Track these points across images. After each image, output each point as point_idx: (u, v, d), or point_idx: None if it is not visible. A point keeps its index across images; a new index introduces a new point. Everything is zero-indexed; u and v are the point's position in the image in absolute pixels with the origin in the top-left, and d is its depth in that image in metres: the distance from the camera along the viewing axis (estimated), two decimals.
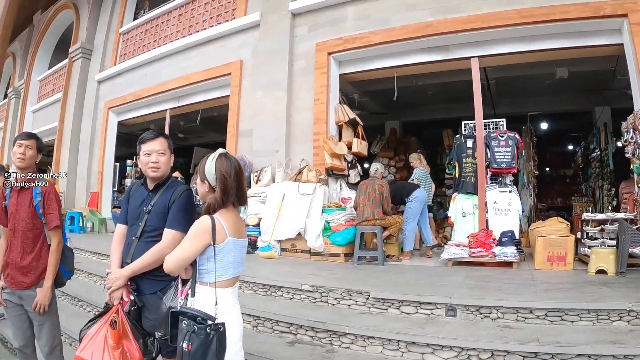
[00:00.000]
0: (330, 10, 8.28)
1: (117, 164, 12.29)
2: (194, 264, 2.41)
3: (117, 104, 11.75)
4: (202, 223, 2.36)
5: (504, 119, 7.80)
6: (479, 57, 7.39)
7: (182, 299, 2.46)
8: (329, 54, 8.14)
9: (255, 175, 7.98)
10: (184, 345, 2.22)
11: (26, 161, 3.27)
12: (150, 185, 2.89)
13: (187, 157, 15.63)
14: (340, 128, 8.21)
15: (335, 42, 8.06)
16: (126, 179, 12.49)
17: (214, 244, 2.36)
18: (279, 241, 7.29)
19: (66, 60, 14.39)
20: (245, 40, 9.18)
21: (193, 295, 2.40)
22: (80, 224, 10.76)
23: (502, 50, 7.25)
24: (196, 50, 9.97)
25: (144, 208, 2.83)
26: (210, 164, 2.45)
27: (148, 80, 10.86)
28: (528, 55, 7.32)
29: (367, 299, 4.54)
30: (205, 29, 10.00)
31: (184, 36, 10.39)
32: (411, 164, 8.86)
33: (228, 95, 9.38)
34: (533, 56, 7.41)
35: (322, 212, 7.21)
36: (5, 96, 19.50)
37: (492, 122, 7.75)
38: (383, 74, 8.61)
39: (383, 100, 11.54)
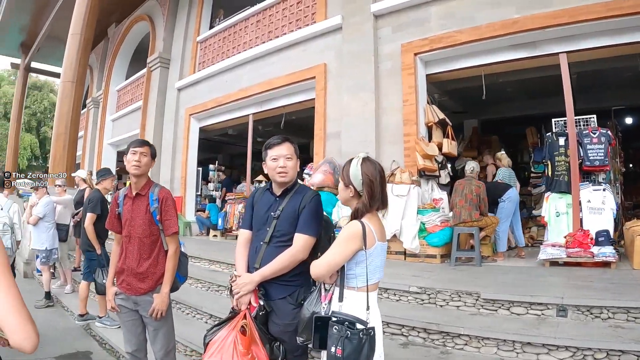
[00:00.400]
0: (414, 10, 8.16)
1: (200, 168, 12.56)
2: (340, 269, 2.41)
3: (198, 111, 12.10)
4: (353, 228, 2.36)
5: (594, 115, 7.48)
6: (567, 52, 7.09)
7: (325, 304, 2.47)
8: (415, 54, 8.03)
9: None
10: (335, 350, 2.23)
11: (141, 168, 3.30)
12: (278, 191, 2.88)
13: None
14: (429, 129, 8.12)
15: (421, 43, 7.95)
16: (209, 184, 12.78)
17: (365, 248, 2.35)
18: None
19: (144, 70, 14.97)
20: (327, 44, 9.21)
21: (341, 300, 2.39)
22: None
23: (589, 44, 6.90)
24: (277, 56, 10.09)
25: (272, 213, 2.82)
26: (355, 169, 2.42)
27: (229, 86, 11.10)
28: (613, 49, 6.96)
29: (477, 300, 4.53)
30: (285, 34, 10.10)
31: (264, 42, 10.55)
32: (495, 164, 8.67)
33: (311, 99, 9.48)
34: (618, 50, 7.04)
35: (417, 213, 7.13)
36: (84, 106, 20.35)
37: (582, 118, 7.45)
38: (468, 74, 8.42)
39: (463, 98, 11.36)
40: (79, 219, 7.96)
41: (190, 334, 4.89)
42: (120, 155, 17.24)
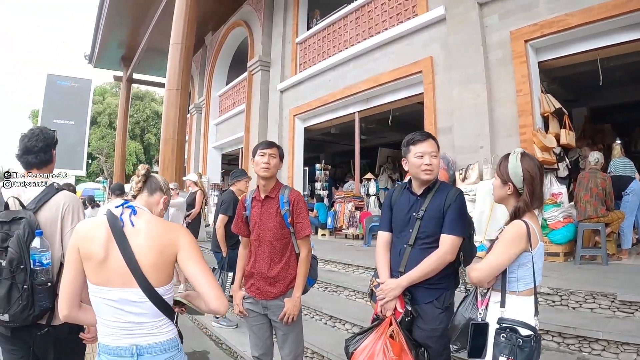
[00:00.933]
0: None
1: (306, 168, 12.87)
2: (501, 272, 2.30)
3: (303, 111, 12.49)
4: (518, 229, 2.27)
5: None
6: None
7: (482, 310, 2.36)
8: (526, 41, 7.77)
9: (461, 173, 7.90)
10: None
11: (271, 170, 3.20)
12: (419, 190, 2.81)
13: (370, 159, 15.88)
14: (545, 119, 7.83)
15: (531, 29, 7.69)
16: (316, 183, 13.06)
17: (530, 249, 2.26)
18: (491, 241, 7.12)
19: (245, 74, 15.67)
20: (431, 36, 9.15)
21: (503, 305, 2.26)
22: None
23: None
24: (380, 51, 10.15)
25: (414, 214, 2.74)
26: (515, 165, 2.33)
27: (333, 84, 11.33)
28: None
29: (613, 302, 4.25)
30: (386, 29, 10.15)
31: (365, 38, 10.67)
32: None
33: (418, 94, 9.47)
34: None
35: None
36: (187, 112, 21.39)
37: None
38: (578, 59, 8.03)
39: (571, 86, 10.82)
40: (190, 221, 8.48)
41: (311, 336, 4.90)
42: (225, 158, 18.05)
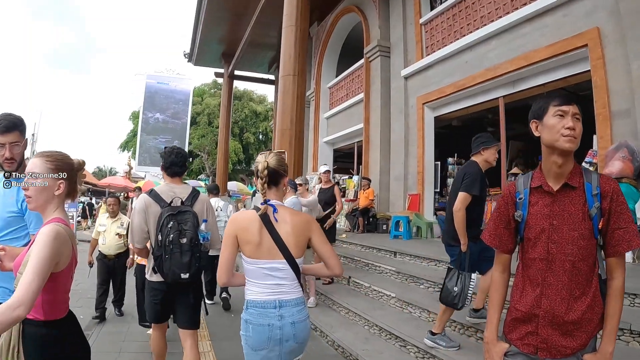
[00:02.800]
0: None
1: (438, 163, 11.94)
2: None
3: (433, 99, 11.58)
4: None
5: None
6: None
7: None
8: None
9: None
10: None
11: (578, 139, 2.06)
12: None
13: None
14: None
15: None
16: (449, 179, 12.10)
17: None
18: None
19: (361, 62, 15.05)
20: (595, 4, 7.97)
21: None
22: (401, 229, 10.65)
23: None
24: (530, 25, 9.06)
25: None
26: None
27: (470, 67, 10.37)
28: None
29: None
30: (534, 0, 8.93)
31: (508, 12, 9.60)
32: None
33: (581, 72, 8.31)
34: None
35: None
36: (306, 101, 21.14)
37: None
38: None
39: None
40: (335, 219, 7.85)
41: None
42: (337, 153, 17.44)
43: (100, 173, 76.08)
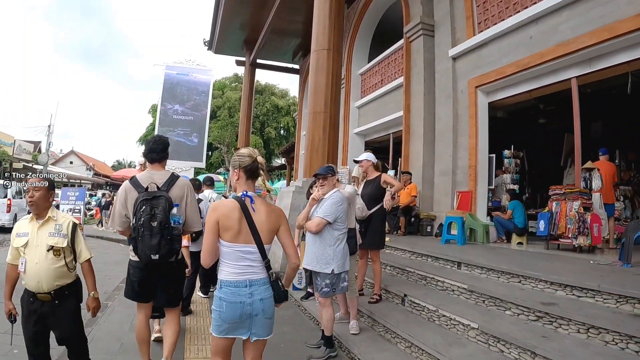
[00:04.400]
0: None
1: (492, 155, 10.45)
2: None
3: (490, 81, 10.04)
4: None
5: None
6: None
7: None
8: None
9: None
10: None
11: None
12: None
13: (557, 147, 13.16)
14: None
15: None
16: (505, 175, 10.64)
17: None
18: None
19: (399, 43, 13.78)
20: None
21: None
22: (453, 232, 9.24)
23: None
24: None
25: None
26: None
27: (536, 43, 8.88)
28: None
29: None
30: None
31: None
32: None
33: None
34: None
35: None
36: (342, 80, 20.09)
37: None
38: None
39: None
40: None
41: None
42: (369, 146, 16.09)
43: (119, 166, 76.47)
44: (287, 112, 47.28)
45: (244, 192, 3.06)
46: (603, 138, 11.51)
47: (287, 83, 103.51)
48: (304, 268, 5.46)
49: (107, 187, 47.75)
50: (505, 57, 9.59)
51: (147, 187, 3.97)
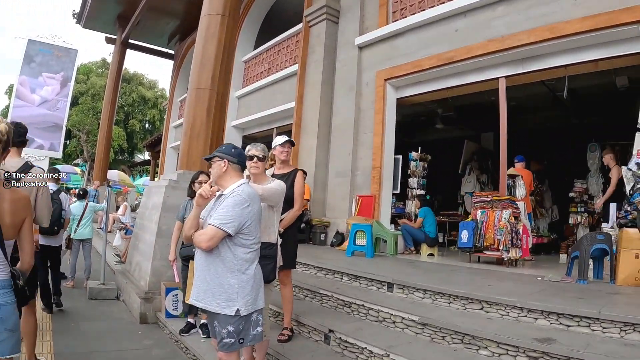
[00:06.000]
0: None
1: (399, 157, 9.37)
2: None
3: (402, 74, 8.98)
4: None
5: None
6: None
7: None
8: None
9: None
10: None
11: None
12: None
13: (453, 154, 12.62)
14: None
15: None
16: (410, 179, 9.50)
17: None
18: None
19: (296, 28, 12.48)
20: None
21: None
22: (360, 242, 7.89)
23: None
24: None
25: None
26: None
27: (462, 37, 7.99)
28: None
29: None
30: None
31: None
32: None
33: (626, 55, 6.46)
34: None
35: None
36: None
37: None
38: None
39: None
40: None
41: None
42: (247, 141, 14.52)
43: None
44: (155, 104, 44.27)
45: None
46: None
47: (157, 74, 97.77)
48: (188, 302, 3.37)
49: None
50: (424, 49, 8.62)
51: None
